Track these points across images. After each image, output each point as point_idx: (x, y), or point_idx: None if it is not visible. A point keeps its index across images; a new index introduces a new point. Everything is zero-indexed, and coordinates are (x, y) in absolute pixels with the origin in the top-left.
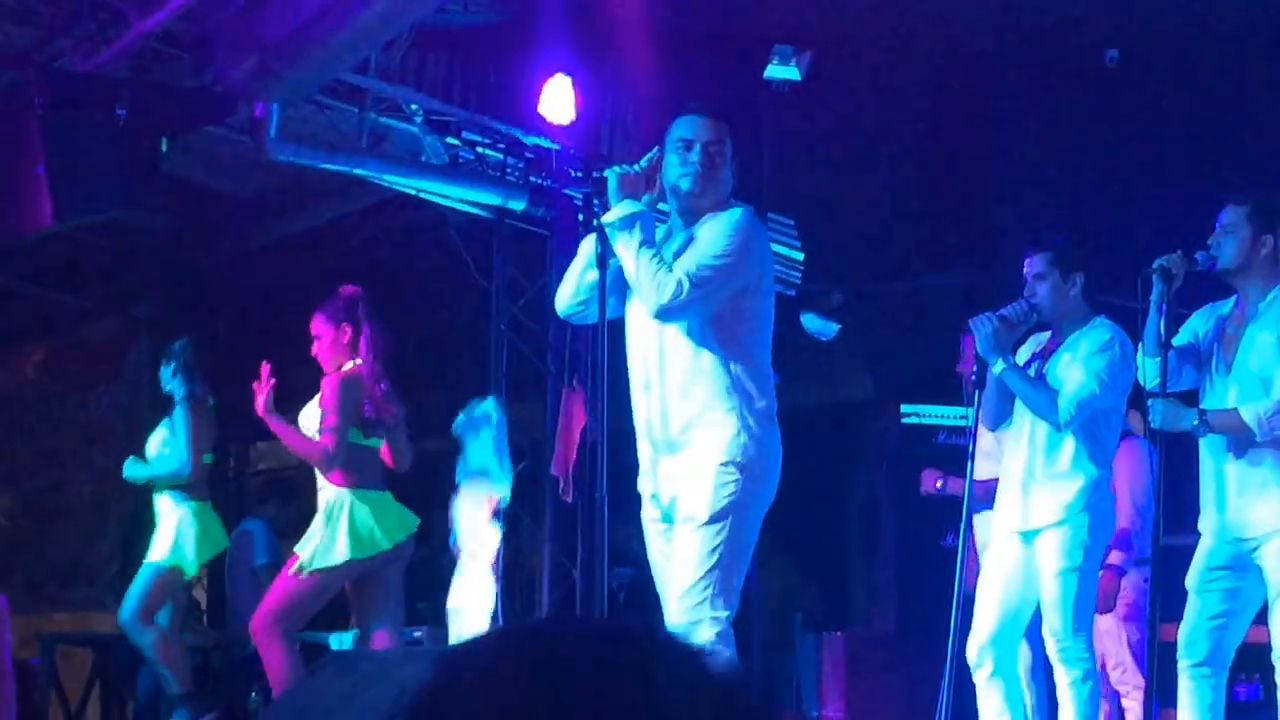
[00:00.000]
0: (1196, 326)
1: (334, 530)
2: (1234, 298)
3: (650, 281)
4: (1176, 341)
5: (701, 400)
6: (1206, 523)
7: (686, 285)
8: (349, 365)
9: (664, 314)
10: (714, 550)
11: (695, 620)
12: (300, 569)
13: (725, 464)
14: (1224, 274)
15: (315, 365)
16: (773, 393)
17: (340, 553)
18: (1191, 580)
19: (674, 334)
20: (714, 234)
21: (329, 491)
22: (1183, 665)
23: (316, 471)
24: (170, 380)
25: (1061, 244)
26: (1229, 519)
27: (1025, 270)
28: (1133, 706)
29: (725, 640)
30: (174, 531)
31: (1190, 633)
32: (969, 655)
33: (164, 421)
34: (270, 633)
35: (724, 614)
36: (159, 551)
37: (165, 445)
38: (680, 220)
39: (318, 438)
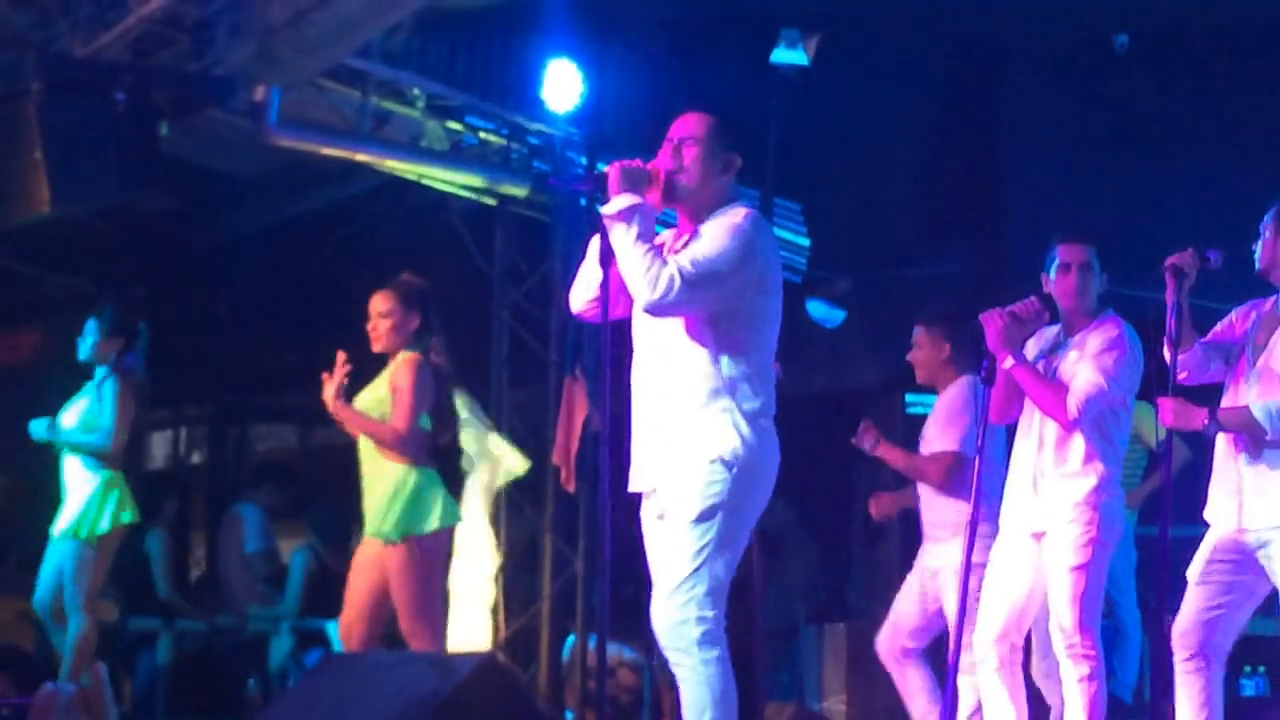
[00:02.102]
0: (1236, 321)
1: (428, 499)
2: (1274, 297)
3: (643, 276)
4: (1214, 333)
5: (694, 398)
6: (1215, 515)
7: (678, 282)
8: (412, 353)
9: (655, 309)
10: (701, 550)
11: (683, 619)
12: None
13: (714, 463)
14: (1262, 276)
15: (316, 345)
16: (771, 394)
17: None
18: (1193, 571)
19: (672, 331)
20: (714, 234)
21: (396, 470)
22: (1178, 658)
23: (369, 458)
24: (99, 350)
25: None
26: (1238, 513)
27: (1065, 258)
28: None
29: (713, 640)
30: (87, 500)
31: (1185, 624)
32: (975, 650)
33: (86, 390)
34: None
35: (711, 614)
36: (74, 521)
37: (87, 414)
38: (686, 219)
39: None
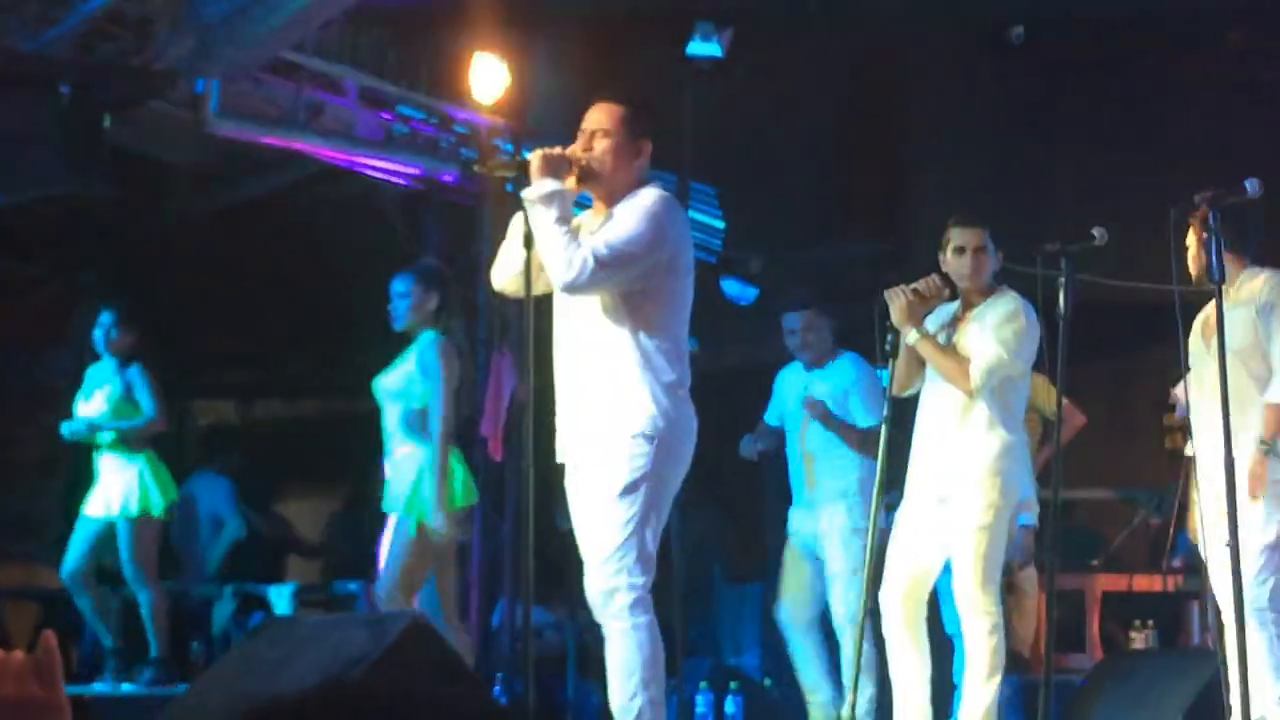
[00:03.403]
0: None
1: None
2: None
3: (559, 257)
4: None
5: (613, 374)
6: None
7: (592, 263)
8: (436, 334)
9: (570, 289)
10: (629, 520)
11: (614, 587)
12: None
13: (635, 436)
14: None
15: (254, 325)
16: (685, 367)
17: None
18: None
19: (591, 309)
20: (626, 217)
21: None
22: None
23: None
24: (114, 340)
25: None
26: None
27: (960, 242)
28: None
29: (643, 606)
30: (137, 481)
31: None
32: (881, 608)
33: (105, 380)
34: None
35: (640, 580)
36: (122, 503)
37: (115, 401)
38: (602, 202)
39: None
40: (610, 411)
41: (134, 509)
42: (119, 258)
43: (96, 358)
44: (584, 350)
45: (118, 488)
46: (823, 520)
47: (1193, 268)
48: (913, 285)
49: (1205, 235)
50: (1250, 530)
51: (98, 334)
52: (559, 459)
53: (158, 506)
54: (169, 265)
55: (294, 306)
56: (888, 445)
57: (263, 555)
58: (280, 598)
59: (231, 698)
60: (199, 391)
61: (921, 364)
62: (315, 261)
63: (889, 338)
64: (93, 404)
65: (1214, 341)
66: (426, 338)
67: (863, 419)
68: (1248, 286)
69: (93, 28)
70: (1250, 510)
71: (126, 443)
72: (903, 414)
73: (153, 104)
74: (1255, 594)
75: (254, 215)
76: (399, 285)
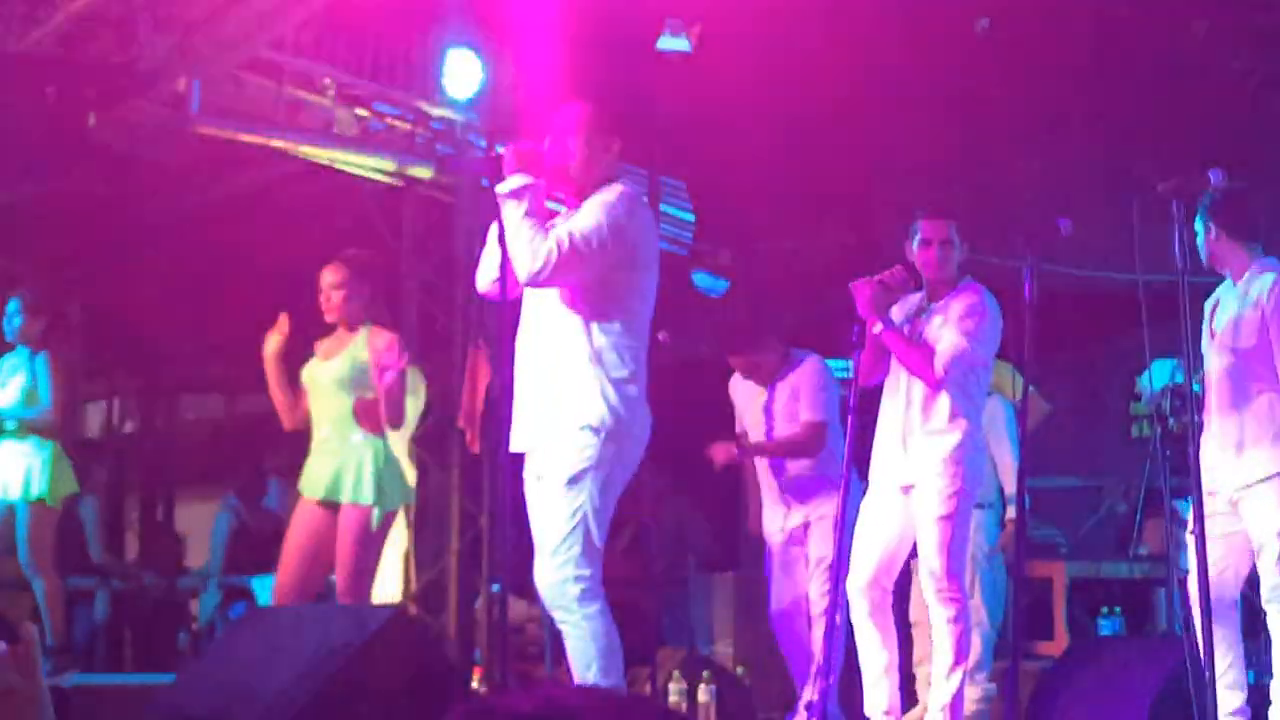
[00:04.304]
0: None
1: (401, 471)
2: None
3: (524, 250)
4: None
5: (565, 367)
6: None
7: (555, 255)
8: (385, 329)
9: (533, 280)
10: (575, 512)
11: (562, 578)
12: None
13: (583, 429)
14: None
15: (237, 319)
16: (641, 364)
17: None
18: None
19: (550, 301)
20: (589, 211)
21: (369, 439)
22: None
23: (337, 423)
24: (18, 328)
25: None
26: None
27: (927, 234)
28: None
29: (592, 595)
30: (40, 467)
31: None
32: (849, 597)
33: (18, 368)
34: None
35: (588, 571)
36: (23, 486)
37: (25, 391)
38: (573, 198)
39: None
40: (559, 403)
41: (34, 492)
42: (103, 253)
43: (10, 347)
44: (541, 342)
45: (19, 471)
46: (808, 512)
47: (1206, 258)
48: (879, 276)
49: (1207, 225)
50: (1261, 520)
51: (4, 323)
52: (513, 448)
53: (55, 495)
54: (151, 261)
55: (275, 301)
56: (853, 436)
57: (246, 547)
58: (264, 589)
59: (215, 687)
60: (185, 386)
61: (887, 354)
62: (295, 256)
63: (855, 328)
64: (7, 392)
65: (1218, 334)
66: (369, 328)
67: (805, 413)
68: (1256, 284)
69: (77, 28)
70: (1259, 499)
71: (30, 431)
72: (868, 404)
73: (136, 103)
74: (1275, 581)
75: (235, 211)
76: (331, 276)
